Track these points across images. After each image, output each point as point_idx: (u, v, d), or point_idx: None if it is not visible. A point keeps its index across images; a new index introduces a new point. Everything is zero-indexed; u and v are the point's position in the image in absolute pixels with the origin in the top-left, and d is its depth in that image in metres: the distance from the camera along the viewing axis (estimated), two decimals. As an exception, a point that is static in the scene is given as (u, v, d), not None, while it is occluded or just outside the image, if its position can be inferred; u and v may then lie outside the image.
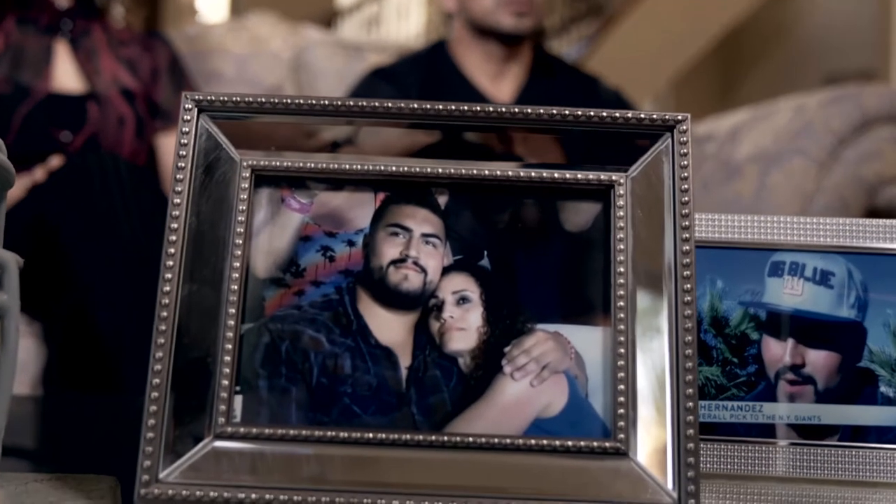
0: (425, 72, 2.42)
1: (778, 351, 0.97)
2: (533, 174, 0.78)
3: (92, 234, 1.72)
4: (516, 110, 0.79)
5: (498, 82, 2.42)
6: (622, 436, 0.73)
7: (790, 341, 0.97)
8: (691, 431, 0.72)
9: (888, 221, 0.98)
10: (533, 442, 0.73)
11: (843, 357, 0.97)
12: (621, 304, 0.75)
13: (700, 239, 0.98)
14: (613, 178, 0.78)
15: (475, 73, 2.42)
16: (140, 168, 2.04)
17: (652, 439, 0.73)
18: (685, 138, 0.78)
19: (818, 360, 0.97)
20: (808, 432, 0.97)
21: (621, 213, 0.77)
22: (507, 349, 0.76)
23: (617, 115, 0.78)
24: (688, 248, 0.75)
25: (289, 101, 0.79)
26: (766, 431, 0.96)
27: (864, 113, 2.23)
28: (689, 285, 0.75)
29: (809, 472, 0.96)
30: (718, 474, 0.96)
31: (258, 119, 0.79)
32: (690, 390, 0.73)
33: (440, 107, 0.78)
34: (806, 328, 0.98)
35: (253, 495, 0.71)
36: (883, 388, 0.97)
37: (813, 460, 0.96)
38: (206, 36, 2.80)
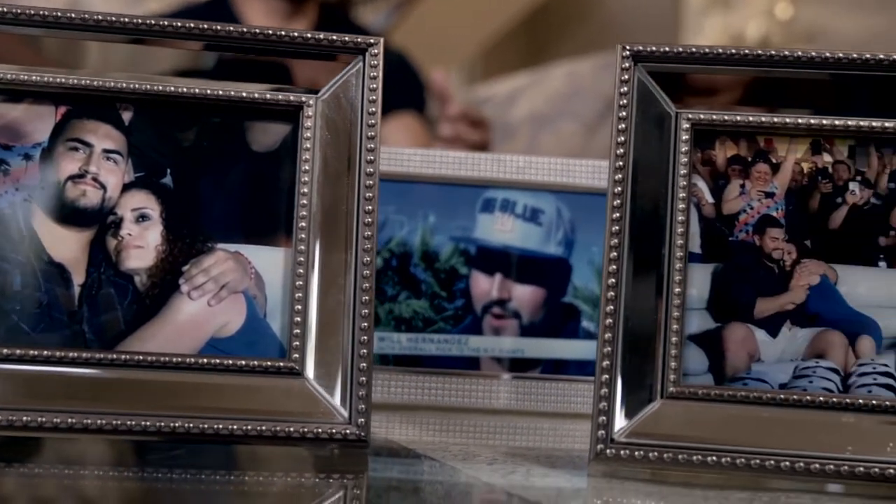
0: (204, 23, 2.37)
1: (485, 286, 0.99)
2: (220, 92, 0.77)
3: None
4: (205, 26, 0.77)
5: (278, 38, 2.38)
6: (297, 356, 0.73)
7: (498, 276, 0.99)
8: (364, 352, 0.73)
9: (597, 162, 1.00)
10: (205, 360, 0.72)
11: (548, 293, 1.00)
12: (303, 225, 0.75)
13: (414, 174, 0.98)
14: (303, 99, 0.77)
15: (256, 27, 2.38)
16: None
17: (326, 360, 0.73)
18: (376, 62, 0.77)
19: (524, 296, 0.99)
20: (512, 365, 0.99)
21: (308, 135, 0.76)
22: (185, 268, 0.74)
23: (308, 35, 0.77)
24: (372, 170, 0.75)
25: (-34, 6, 0.76)
26: (471, 364, 0.98)
27: (633, 79, 2.28)
28: (370, 207, 0.75)
29: (512, 403, 0.98)
30: (423, 405, 0.98)
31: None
32: (366, 311, 0.73)
33: (112, 18, 0.75)
34: (514, 264, 1.00)
35: None
36: (585, 323, 1.00)
37: (516, 392, 0.98)
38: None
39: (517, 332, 0.98)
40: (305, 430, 0.71)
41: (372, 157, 0.76)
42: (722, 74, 0.77)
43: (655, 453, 0.70)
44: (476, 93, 2.69)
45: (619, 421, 0.72)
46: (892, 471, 0.68)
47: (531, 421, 0.97)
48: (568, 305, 0.99)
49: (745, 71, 0.76)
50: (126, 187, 0.75)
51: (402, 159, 0.98)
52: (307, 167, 0.76)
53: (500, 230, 0.99)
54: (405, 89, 2.16)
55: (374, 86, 0.77)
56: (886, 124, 0.75)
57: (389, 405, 0.98)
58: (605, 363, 0.72)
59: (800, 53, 0.75)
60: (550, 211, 1.00)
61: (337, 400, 0.72)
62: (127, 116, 0.76)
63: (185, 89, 0.77)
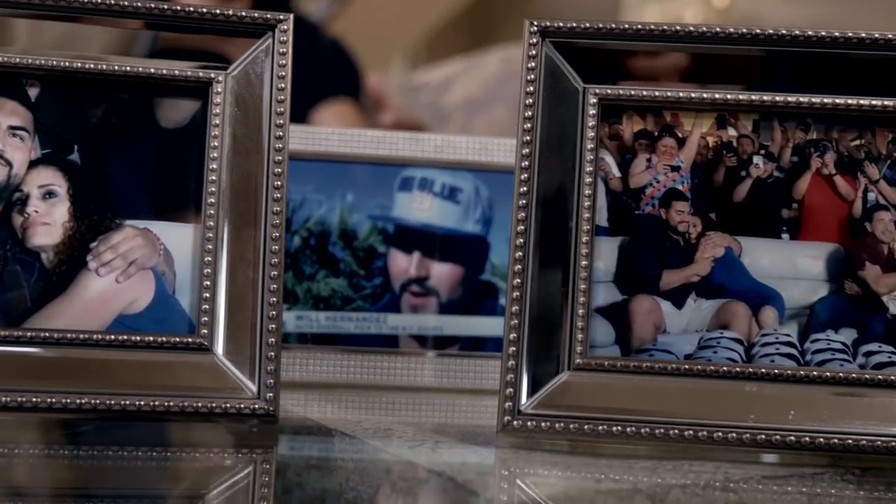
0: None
1: (404, 264, 0.99)
2: (128, 68, 0.76)
3: None
4: (112, 2, 0.76)
5: (212, 22, 2.37)
6: (206, 332, 0.73)
7: (416, 254, 1.00)
8: (273, 327, 0.73)
9: (514, 140, 1.01)
10: (114, 337, 0.72)
11: (466, 270, 1.00)
12: (212, 201, 0.75)
13: (331, 153, 0.99)
14: (212, 75, 0.77)
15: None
16: None
17: (236, 336, 0.73)
18: (285, 38, 0.77)
19: (442, 273, 1.00)
20: (431, 343, 0.99)
21: (218, 112, 0.76)
22: (93, 245, 0.74)
23: (217, 11, 0.77)
24: (281, 146, 0.75)
25: None
26: (389, 342, 0.99)
27: (566, 64, 2.29)
28: (280, 182, 0.75)
29: (430, 380, 0.99)
30: (341, 383, 0.98)
31: None
32: (275, 286, 0.73)
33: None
34: (432, 242, 1.00)
35: None
36: (503, 300, 1.00)
37: (434, 370, 0.99)
38: None
39: (435, 309, 0.99)
40: (214, 405, 0.71)
41: (281, 133, 0.76)
42: (629, 49, 0.77)
43: (562, 424, 0.71)
44: (412, 79, 2.69)
45: (527, 393, 0.72)
46: (792, 438, 0.70)
47: (449, 398, 0.97)
48: (486, 283, 1.00)
49: (652, 46, 0.77)
50: (33, 164, 0.75)
51: (321, 138, 0.98)
52: (216, 143, 0.76)
53: (419, 209, 1.00)
54: (340, 77, 2.15)
55: (284, 62, 0.77)
56: (789, 99, 0.76)
57: (308, 384, 0.98)
58: (513, 336, 0.73)
59: (704, 29, 0.76)
60: (468, 189, 1.00)
61: (246, 375, 0.72)
62: (33, 92, 0.76)
63: (92, 65, 0.76)
